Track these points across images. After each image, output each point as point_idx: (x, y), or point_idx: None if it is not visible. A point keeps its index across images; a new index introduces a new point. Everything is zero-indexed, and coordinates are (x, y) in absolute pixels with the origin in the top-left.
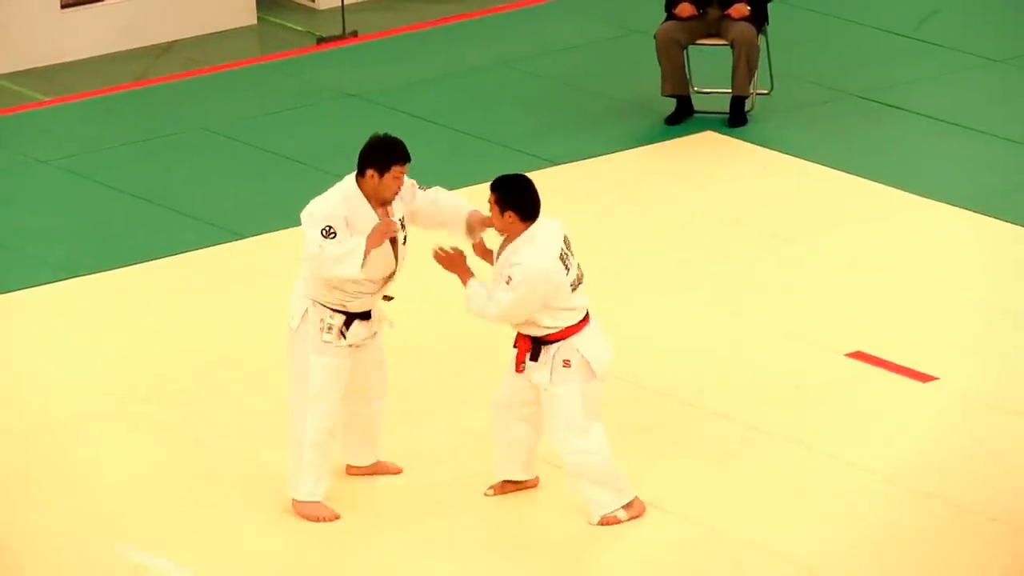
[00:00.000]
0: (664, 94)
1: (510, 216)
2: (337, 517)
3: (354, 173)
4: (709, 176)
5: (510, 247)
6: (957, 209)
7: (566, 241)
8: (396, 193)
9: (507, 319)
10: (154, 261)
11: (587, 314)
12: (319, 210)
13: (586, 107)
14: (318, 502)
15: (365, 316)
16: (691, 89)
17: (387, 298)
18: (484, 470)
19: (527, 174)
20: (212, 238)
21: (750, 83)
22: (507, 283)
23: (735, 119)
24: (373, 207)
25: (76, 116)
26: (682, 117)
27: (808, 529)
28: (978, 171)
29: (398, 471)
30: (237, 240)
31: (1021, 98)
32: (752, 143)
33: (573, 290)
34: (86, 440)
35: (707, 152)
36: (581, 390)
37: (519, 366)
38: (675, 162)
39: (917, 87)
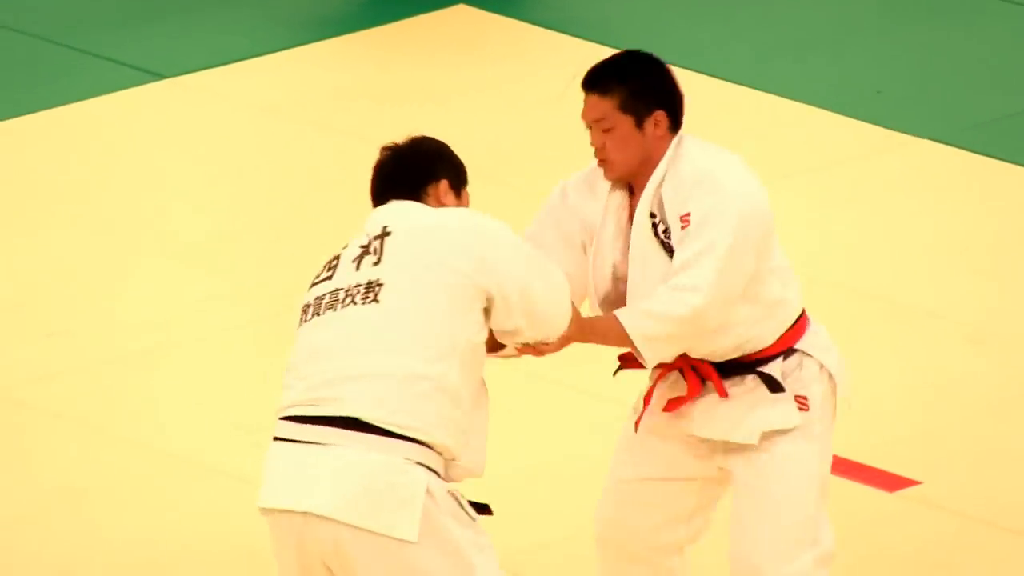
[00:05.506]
0: None
1: (658, 120)
2: None
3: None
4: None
5: (666, 172)
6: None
7: None
8: None
9: (717, 300)
10: None
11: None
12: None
13: None
14: None
15: None
16: None
17: None
18: None
19: None
20: None
21: None
22: (683, 227)
23: None
24: None
25: None
26: None
27: None
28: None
29: None
30: None
31: None
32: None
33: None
34: None
35: (461, 44)
36: (821, 453)
37: (674, 406)
38: (394, 63)
39: None
